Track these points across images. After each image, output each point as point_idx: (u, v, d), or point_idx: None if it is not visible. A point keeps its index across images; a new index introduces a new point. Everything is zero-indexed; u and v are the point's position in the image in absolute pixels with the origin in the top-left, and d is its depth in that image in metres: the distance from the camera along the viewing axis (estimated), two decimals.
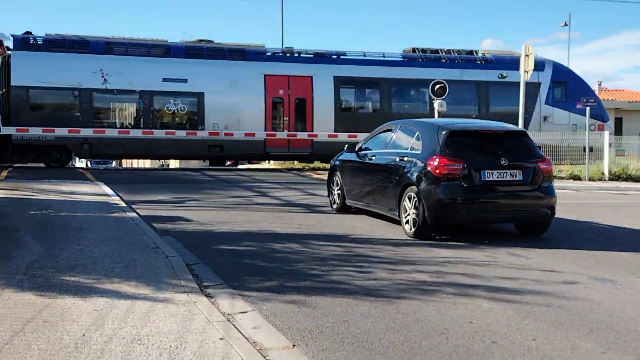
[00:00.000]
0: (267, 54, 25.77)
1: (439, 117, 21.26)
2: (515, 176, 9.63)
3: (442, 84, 22.09)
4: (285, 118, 25.10)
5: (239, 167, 30.82)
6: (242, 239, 9.23)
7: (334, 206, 12.62)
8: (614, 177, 22.88)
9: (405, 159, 10.20)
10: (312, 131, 25.38)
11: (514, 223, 10.47)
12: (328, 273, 7.14)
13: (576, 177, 22.86)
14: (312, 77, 25.51)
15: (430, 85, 22.41)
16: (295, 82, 25.34)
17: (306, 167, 27.17)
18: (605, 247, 9.41)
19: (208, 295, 5.96)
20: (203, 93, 24.45)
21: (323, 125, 25.41)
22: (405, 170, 10.06)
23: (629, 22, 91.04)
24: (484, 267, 7.71)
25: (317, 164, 27.59)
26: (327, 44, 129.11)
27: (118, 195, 13.86)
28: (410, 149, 10.29)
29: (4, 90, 23.33)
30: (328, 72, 25.72)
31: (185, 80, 24.30)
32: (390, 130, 11.40)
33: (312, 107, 25.52)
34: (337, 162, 12.70)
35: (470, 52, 28.25)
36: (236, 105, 24.69)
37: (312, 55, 26.28)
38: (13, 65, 23.10)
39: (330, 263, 7.69)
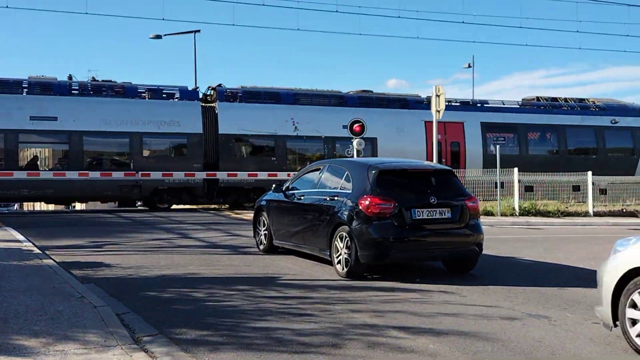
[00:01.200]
0: (425, 102, 27.19)
1: (358, 155, 21.49)
2: (444, 214, 9.74)
3: (360, 123, 22.37)
4: (442, 160, 26.32)
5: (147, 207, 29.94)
6: (170, 284, 8.87)
7: (261, 247, 12.40)
8: (524, 212, 23.69)
9: (336, 198, 10.15)
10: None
11: (443, 260, 10.56)
12: (265, 318, 6.91)
13: (489, 213, 23.51)
14: (463, 123, 28.15)
15: (349, 124, 22.65)
16: (450, 127, 27.61)
17: (223, 207, 26.78)
18: (532, 282, 9.61)
19: (144, 349, 5.63)
20: (376, 138, 26.27)
21: (472, 165, 27.18)
22: (336, 209, 10.00)
23: (519, 65, 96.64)
24: (421, 306, 7.69)
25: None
26: (249, 79, 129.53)
27: (30, 241, 13.14)
28: (341, 189, 10.25)
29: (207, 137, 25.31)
30: (476, 119, 28.43)
31: None
32: (318, 169, 11.35)
33: (465, 149, 28.15)
34: (264, 202, 12.52)
35: (582, 100, 31.50)
36: (402, 149, 25.96)
37: (459, 103, 29.04)
38: (220, 116, 25.37)
39: (266, 307, 7.47)
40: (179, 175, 24.34)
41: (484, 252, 10.43)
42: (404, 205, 9.48)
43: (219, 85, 26.46)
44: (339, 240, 9.81)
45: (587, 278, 8.91)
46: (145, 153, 24.66)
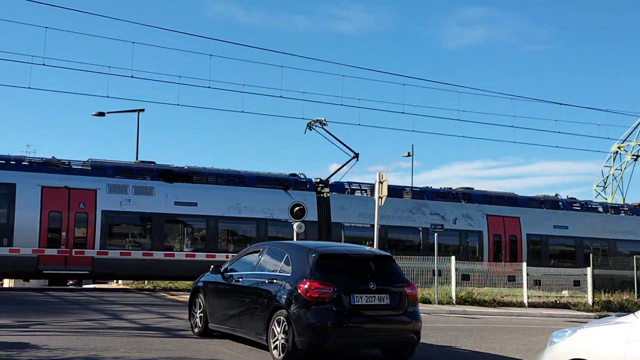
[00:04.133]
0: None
1: (297, 239, 21.43)
2: (383, 300, 9.73)
3: (301, 207, 22.43)
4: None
5: (85, 286, 28.99)
6: None
7: (196, 330, 12.05)
8: (461, 301, 23.83)
9: (275, 281, 10.04)
10: None
11: (381, 348, 10.46)
12: None
13: (426, 301, 23.56)
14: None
15: (290, 207, 22.69)
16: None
17: (157, 287, 26.13)
18: None
19: None
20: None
21: None
22: (275, 293, 9.87)
23: (458, 155, 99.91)
24: None
25: (169, 284, 26.74)
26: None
27: None
28: (280, 272, 10.16)
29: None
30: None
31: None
32: (257, 252, 11.25)
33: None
34: (201, 284, 12.26)
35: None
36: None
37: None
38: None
39: None
40: None
41: (421, 340, 10.39)
42: (343, 290, 9.43)
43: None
44: (276, 324, 9.64)
45: None
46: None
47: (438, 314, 20.33)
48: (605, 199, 41.77)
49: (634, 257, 28.09)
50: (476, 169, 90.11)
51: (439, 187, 31.12)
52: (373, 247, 21.11)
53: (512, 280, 26.21)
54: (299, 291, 9.42)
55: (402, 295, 9.89)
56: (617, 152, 43.23)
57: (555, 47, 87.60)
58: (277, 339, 9.59)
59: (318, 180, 28.25)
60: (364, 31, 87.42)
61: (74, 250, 23.24)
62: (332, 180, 28.36)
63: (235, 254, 15.09)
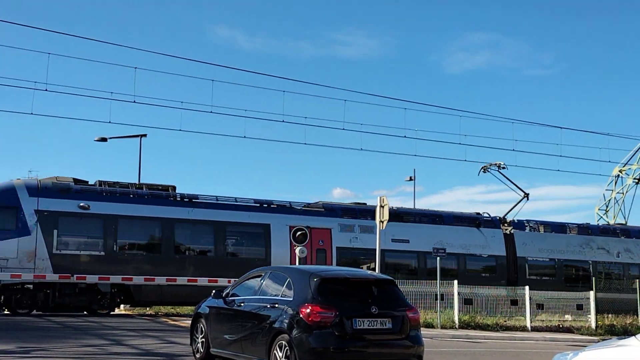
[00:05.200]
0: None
1: (299, 263, 21.43)
2: (385, 324, 9.72)
3: (303, 231, 22.45)
4: None
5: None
6: None
7: (197, 355, 12.02)
8: (464, 325, 23.72)
9: (277, 306, 10.04)
10: None
11: None
12: None
13: (429, 325, 23.45)
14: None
15: (292, 232, 22.70)
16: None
17: (159, 312, 26.05)
18: None
19: None
20: None
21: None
22: (276, 318, 9.86)
23: (460, 180, 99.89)
24: None
25: (171, 309, 26.66)
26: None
27: None
28: (282, 296, 10.16)
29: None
30: None
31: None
32: (259, 276, 11.26)
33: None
34: (203, 309, 12.24)
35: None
36: None
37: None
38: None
39: None
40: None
41: None
42: (345, 315, 9.43)
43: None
44: (278, 349, 9.62)
45: None
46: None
47: (442, 338, 20.24)
48: (607, 222, 41.73)
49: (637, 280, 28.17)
50: (479, 193, 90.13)
51: (600, 225, 36.01)
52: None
53: (515, 304, 26.10)
54: (301, 315, 9.41)
55: (405, 319, 9.88)
56: (618, 175, 43.33)
57: (557, 72, 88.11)
58: None
59: (500, 218, 31.24)
60: (367, 56, 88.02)
61: None
62: (509, 219, 31.31)
63: None
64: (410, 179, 48.12)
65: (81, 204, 22.87)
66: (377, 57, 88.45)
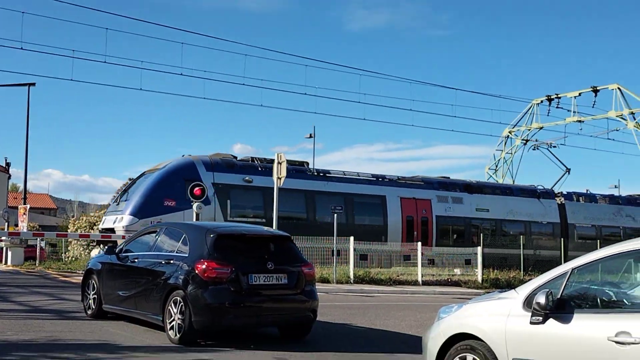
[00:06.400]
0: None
1: (197, 219, 21.20)
2: (281, 280, 9.81)
3: (201, 186, 22.19)
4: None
5: None
6: None
7: (89, 312, 11.75)
8: (359, 280, 24.35)
9: (172, 262, 9.92)
10: None
11: (278, 326, 10.56)
12: None
13: (325, 280, 23.92)
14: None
15: (189, 188, 22.38)
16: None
17: (48, 268, 25.25)
18: (364, 348, 9.85)
19: None
20: None
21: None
22: (171, 273, 9.76)
23: (360, 138, 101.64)
24: None
25: (62, 264, 25.89)
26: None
27: None
28: (177, 252, 10.04)
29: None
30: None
31: None
32: (154, 232, 11.07)
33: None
34: (94, 265, 11.94)
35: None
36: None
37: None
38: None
39: None
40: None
41: (318, 318, 10.57)
42: (240, 271, 9.44)
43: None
44: (172, 305, 9.54)
45: (414, 345, 9.25)
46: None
47: (336, 292, 20.72)
48: (497, 181, 43.60)
49: (521, 236, 30.10)
50: (377, 151, 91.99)
51: (628, 194, 40.64)
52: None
53: (408, 259, 27.05)
54: (197, 271, 9.35)
55: (300, 274, 10.00)
56: (508, 136, 45.14)
57: (455, 33, 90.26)
58: (173, 320, 9.48)
59: (552, 190, 36.72)
60: (268, 10, 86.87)
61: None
62: (556, 190, 37.06)
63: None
64: (311, 136, 48.38)
65: (246, 178, 26.69)
66: (278, 11, 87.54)
